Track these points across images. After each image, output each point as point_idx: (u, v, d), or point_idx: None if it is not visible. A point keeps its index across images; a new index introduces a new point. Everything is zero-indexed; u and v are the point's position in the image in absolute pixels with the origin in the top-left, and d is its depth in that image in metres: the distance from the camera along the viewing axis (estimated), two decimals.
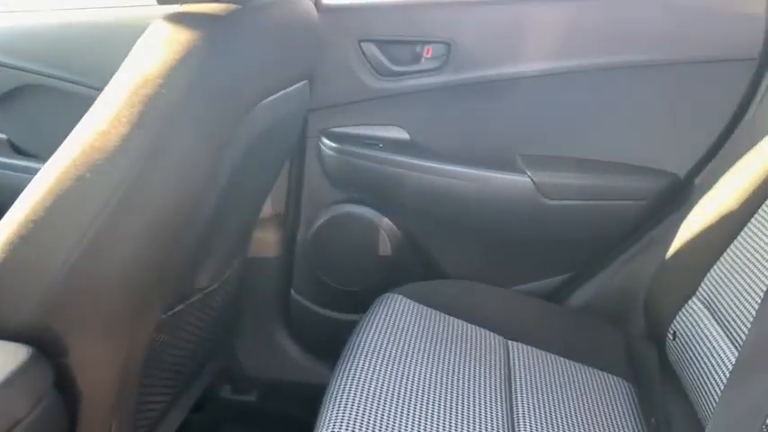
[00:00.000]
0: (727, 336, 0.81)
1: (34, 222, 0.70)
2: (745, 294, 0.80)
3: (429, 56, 1.16)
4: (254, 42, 0.82)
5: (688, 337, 0.88)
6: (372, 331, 0.96)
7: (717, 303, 0.85)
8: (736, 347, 0.79)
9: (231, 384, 1.39)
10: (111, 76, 0.74)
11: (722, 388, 0.77)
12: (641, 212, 1.16)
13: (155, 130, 0.70)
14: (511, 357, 1.00)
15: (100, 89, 0.74)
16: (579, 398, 0.93)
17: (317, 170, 1.22)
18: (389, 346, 0.93)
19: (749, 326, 0.76)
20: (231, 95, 0.77)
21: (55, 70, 1.23)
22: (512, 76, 1.14)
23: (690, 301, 0.91)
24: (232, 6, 0.79)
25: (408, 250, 1.25)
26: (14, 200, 0.73)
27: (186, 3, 0.79)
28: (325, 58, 1.13)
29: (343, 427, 0.78)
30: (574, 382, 0.96)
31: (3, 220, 0.73)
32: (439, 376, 0.90)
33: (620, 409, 0.93)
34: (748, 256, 0.82)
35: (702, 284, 0.89)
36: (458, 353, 0.96)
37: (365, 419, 0.80)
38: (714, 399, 0.79)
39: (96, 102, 0.73)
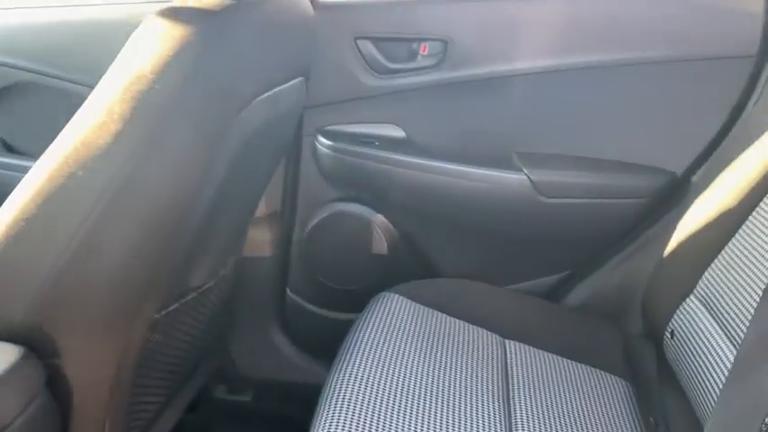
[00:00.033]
0: (725, 334, 0.81)
1: (25, 221, 0.70)
2: (743, 292, 0.80)
3: (426, 53, 1.15)
4: (249, 38, 0.81)
5: (686, 335, 0.88)
6: (369, 330, 0.96)
7: (715, 301, 0.85)
8: (734, 345, 0.78)
9: (226, 384, 1.38)
10: (104, 74, 0.73)
11: (720, 386, 0.77)
12: (638, 210, 1.16)
13: (148, 126, 0.69)
14: (508, 356, 0.99)
15: (93, 87, 0.73)
16: (577, 397, 0.92)
17: (313, 168, 1.21)
18: (386, 345, 0.93)
19: (747, 324, 0.76)
20: (226, 91, 0.76)
21: (47, 68, 1.22)
22: (509, 74, 1.14)
23: (688, 300, 0.90)
24: (226, 2, 0.78)
25: (405, 249, 1.24)
26: (5, 198, 0.72)
27: None
28: (321, 55, 1.12)
29: (340, 427, 0.77)
30: (571, 381, 0.96)
31: None
32: (435, 376, 0.89)
33: (617, 407, 0.92)
34: (746, 253, 0.82)
35: (700, 282, 0.89)
36: (455, 352, 0.96)
37: (361, 419, 0.79)
38: (712, 397, 0.79)
39: (89, 98, 0.72)
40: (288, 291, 1.31)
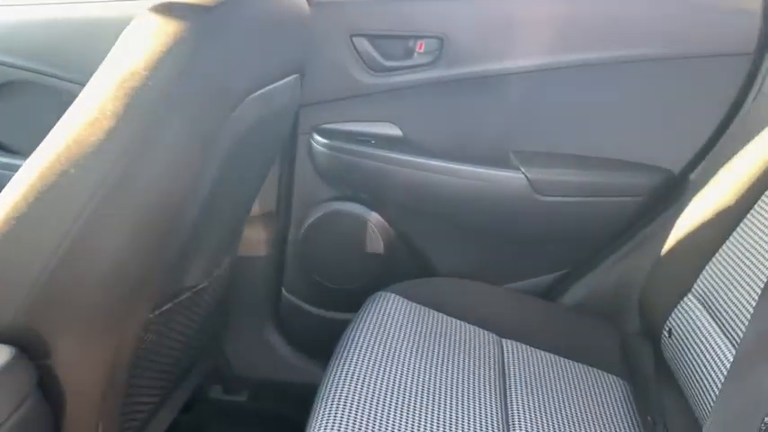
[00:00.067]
0: (723, 332, 0.80)
1: (16, 220, 0.69)
2: (741, 290, 0.79)
3: (422, 51, 1.15)
4: (243, 34, 0.80)
5: (684, 333, 0.88)
6: (364, 330, 0.95)
7: (712, 300, 0.84)
8: (732, 344, 0.78)
9: (221, 384, 1.37)
10: None
11: (718, 384, 0.76)
12: (636, 209, 1.15)
13: (141, 122, 0.69)
14: (505, 355, 0.99)
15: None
16: (574, 396, 0.92)
17: (309, 167, 1.21)
18: (382, 344, 0.92)
19: (745, 322, 0.76)
20: (219, 88, 0.75)
21: (41, 66, 1.21)
22: (505, 72, 1.13)
23: (685, 298, 0.90)
24: None
25: (401, 248, 1.24)
26: None
27: None
28: (317, 52, 1.11)
29: (336, 427, 0.77)
30: (569, 380, 0.95)
31: None
32: (432, 375, 0.89)
33: (615, 406, 0.92)
34: (744, 252, 0.81)
35: (698, 281, 0.89)
36: (451, 351, 0.95)
37: (357, 418, 0.78)
38: (710, 395, 0.78)
39: (81, 95, 0.71)
40: (283, 290, 1.30)
